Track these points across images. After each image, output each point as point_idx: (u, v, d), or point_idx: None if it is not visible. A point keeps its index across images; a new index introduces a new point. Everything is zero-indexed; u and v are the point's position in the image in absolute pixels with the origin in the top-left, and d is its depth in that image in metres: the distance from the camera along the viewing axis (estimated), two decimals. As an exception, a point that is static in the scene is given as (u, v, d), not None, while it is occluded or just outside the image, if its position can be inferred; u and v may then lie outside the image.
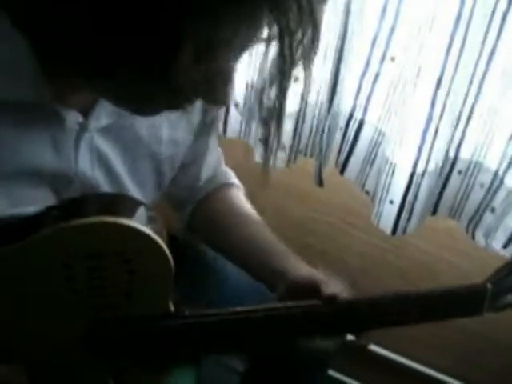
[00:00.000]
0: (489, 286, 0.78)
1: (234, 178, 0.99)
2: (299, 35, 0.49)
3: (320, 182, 1.20)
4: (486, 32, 0.93)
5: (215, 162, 0.95)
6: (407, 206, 1.09)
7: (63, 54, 0.56)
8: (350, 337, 0.81)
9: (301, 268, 0.81)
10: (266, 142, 0.57)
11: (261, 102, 0.54)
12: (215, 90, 0.56)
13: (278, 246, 0.86)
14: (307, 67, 0.53)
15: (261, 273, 0.84)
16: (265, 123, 0.55)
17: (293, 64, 0.50)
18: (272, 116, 0.55)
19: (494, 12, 0.91)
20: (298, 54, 0.50)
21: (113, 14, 0.47)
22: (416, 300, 0.78)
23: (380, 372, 1.50)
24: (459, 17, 0.91)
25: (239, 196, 0.96)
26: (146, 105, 0.61)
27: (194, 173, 0.91)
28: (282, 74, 0.51)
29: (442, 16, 0.93)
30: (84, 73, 0.56)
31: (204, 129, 0.85)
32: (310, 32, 0.49)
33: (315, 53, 0.51)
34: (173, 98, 0.58)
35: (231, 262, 0.91)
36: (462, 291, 0.79)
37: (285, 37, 0.48)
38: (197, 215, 0.95)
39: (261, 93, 0.53)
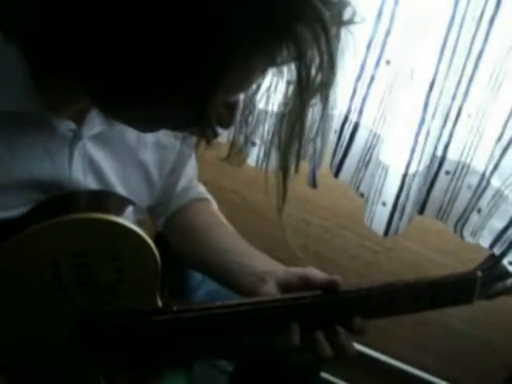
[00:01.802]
0: (478, 273, 0.79)
1: (206, 193, 0.99)
2: (316, 67, 0.50)
3: (314, 184, 1.20)
4: (475, 34, 0.94)
5: (192, 173, 0.95)
6: (399, 207, 1.09)
7: (64, 75, 0.56)
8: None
9: (282, 268, 0.82)
10: (284, 170, 0.57)
11: (280, 130, 0.55)
12: (227, 116, 0.58)
13: (258, 252, 0.86)
14: (325, 97, 0.54)
15: (240, 277, 0.82)
16: (285, 150, 0.56)
17: (310, 94, 0.52)
18: (291, 143, 0.55)
19: (482, 14, 0.92)
20: (316, 84, 0.51)
21: (154, 52, 0.48)
22: (405, 289, 0.78)
23: (366, 372, 1.50)
24: (452, 20, 0.92)
25: (214, 210, 0.97)
26: (160, 128, 0.63)
27: (173, 179, 0.90)
28: (300, 103, 0.52)
29: (436, 19, 0.94)
30: (102, 99, 0.56)
31: (188, 137, 0.84)
32: (326, 64, 0.50)
33: (332, 84, 0.53)
34: (193, 123, 0.58)
35: (206, 274, 0.90)
36: (451, 279, 0.79)
37: (302, 69, 0.50)
38: (171, 228, 0.94)
39: (280, 120, 0.54)
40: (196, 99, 0.51)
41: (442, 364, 1.45)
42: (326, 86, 0.52)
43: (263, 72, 0.54)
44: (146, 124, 0.62)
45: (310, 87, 0.51)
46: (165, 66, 0.48)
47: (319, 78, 0.51)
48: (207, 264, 0.87)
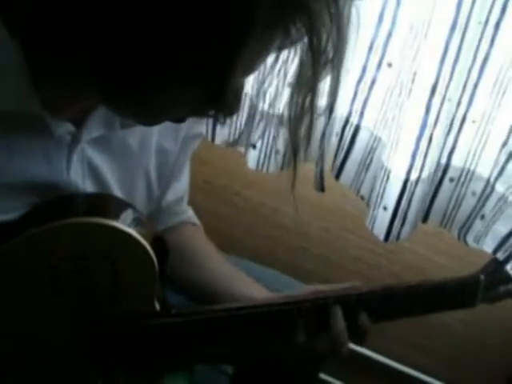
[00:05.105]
0: (481, 277, 0.79)
1: (195, 218, 0.99)
2: (327, 37, 0.50)
3: (321, 188, 1.19)
4: (480, 39, 0.93)
5: (182, 192, 0.93)
6: (400, 213, 1.09)
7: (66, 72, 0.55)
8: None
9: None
10: (295, 156, 0.57)
11: (290, 105, 0.55)
12: (231, 102, 0.57)
13: (256, 283, 0.87)
14: (335, 75, 0.54)
15: (227, 297, 0.84)
16: (295, 125, 0.56)
17: (322, 64, 0.51)
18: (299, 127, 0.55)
19: (487, 19, 0.91)
20: (327, 53, 0.51)
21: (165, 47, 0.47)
22: (407, 292, 0.78)
23: (364, 373, 1.50)
24: (455, 23, 0.91)
25: (205, 237, 0.97)
26: (163, 118, 0.62)
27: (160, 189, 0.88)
28: (312, 74, 0.52)
29: (438, 22, 0.93)
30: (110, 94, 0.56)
31: (186, 144, 0.84)
32: (336, 33, 0.50)
33: (343, 53, 0.52)
34: (210, 104, 0.58)
35: (193, 295, 0.90)
36: (454, 283, 0.80)
37: (314, 38, 0.49)
38: None
39: (291, 94, 0.54)
40: (214, 76, 0.50)
41: (441, 365, 1.45)
42: (337, 55, 0.52)
43: (279, 48, 0.54)
44: (160, 109, 0.59)
45: (322, 56, 0.50)
46: (184, 41, 0.47)
47: (330, 47, 0.50)
48: (202, 286, 0.88)
